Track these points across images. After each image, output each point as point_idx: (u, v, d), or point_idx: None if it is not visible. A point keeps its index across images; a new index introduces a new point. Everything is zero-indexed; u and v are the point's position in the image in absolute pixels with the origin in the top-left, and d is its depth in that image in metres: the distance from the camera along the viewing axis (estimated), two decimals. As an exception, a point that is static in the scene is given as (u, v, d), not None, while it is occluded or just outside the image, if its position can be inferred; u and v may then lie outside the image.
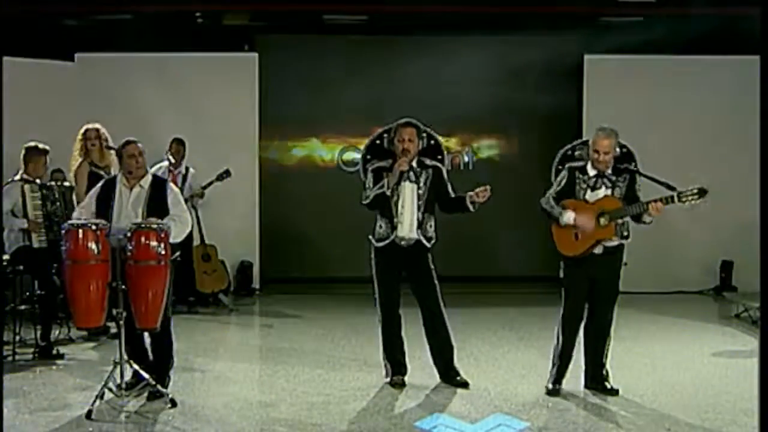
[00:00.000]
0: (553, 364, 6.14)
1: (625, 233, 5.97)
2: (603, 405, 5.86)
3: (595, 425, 5.51)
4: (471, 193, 6.14)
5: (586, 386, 6.13)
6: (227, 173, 9.40)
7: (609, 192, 5.95)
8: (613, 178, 5.98)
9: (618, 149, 6.01)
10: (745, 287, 10.14)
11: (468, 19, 11.05)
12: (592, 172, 5.99)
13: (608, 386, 6.09)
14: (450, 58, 11.23)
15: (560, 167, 6.15)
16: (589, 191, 5.97)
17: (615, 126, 6.28)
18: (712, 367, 6.99)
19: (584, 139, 6.11)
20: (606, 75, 10.76)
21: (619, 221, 5.91)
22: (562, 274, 6.10)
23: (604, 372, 6.12)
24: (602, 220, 5.88)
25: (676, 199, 5.76)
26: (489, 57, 11.17)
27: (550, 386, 6.09)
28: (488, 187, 6.10)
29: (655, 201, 5.78)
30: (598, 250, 5.95)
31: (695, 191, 5.75)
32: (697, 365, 7.06)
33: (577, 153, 6.16)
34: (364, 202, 6.26)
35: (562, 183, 6.04)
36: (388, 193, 6.14)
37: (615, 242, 5.98)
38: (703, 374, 6.74)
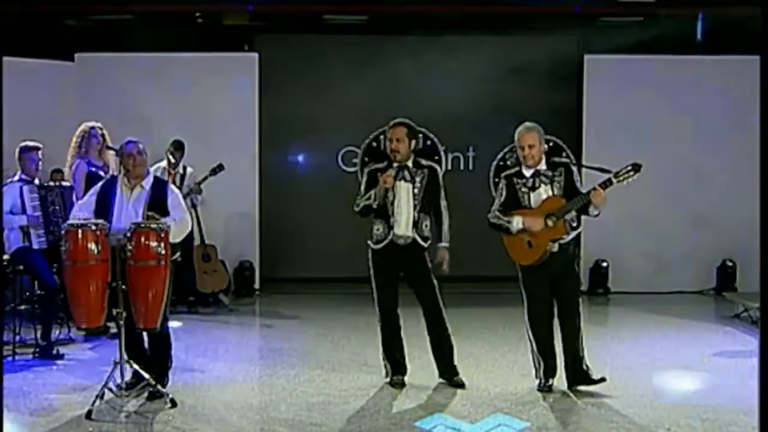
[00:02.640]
0: (537, 366, 6.15)
1: (574, 224, 6.04)
2: (603, 405, 5.86)
3: (595, 425, 5.51)
4: (442, 249, 6.28)
5: (569, 387, 6.11)
6: (220, 167, 9.39)
7: (548, 189, 5.99)
8: (549, 173, 6.02)
9: (546, 144, 6.08)
10: (745, 287, 10.15)
11: (468, 19, 11.06)
12: (528, 173, 6.02)
13: (594, 378, 6.08)
14: (450, 58, 11.22)
15: (497, 179, 6.17)
16: (530, 193, 6.00)
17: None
18: (712, 367, 6.99)
19: (512, 145, 6.12)
20: (606, 75, 10.76)
21: (567, 217, 5.94)
22: (520, 279, 6.14)
23: (585, 367, 6.12)
24: (550, 222, 5.91)
25: (614, 180, 5.83)
26: (489, 57, 11.17)
27: (542, 383, 6.12)
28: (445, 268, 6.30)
29: (594, 189, 5.82)
30: (554, 248, 5.97)
31: (629, 168, 5.83)
32: (697, 365, 7.05)
33: (509, 162, 6.20)
34: (355, 210, 6.31)
35: (503, 193, 6.08)
36: (375, 206, 6.18)
37: (567, 238, 6.02)
38: (703, 374, 6.74)
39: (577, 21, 11.05)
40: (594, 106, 10.74)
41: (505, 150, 6.27)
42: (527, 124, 6.06)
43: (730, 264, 10.63)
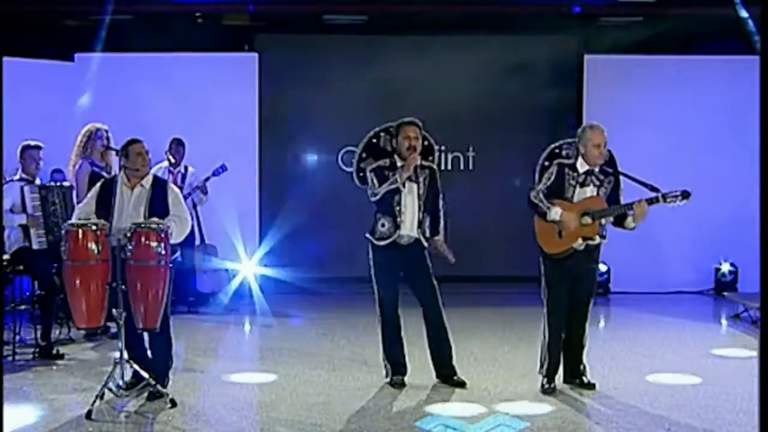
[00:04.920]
0: (543, 362, 6.16)
1: (604, 233, 6.08)
2: (603, 405, 5.86)
3: (595, 425, 5.51)
4: (439, 242, 6.32)
5: (565, 381, 6.20)
6: (223, 168, 9.39)
7: (595, 191, 6.02)
8: (601, 177, 6.06)
9: None
10: (745, 287, 10.14)
11: (468, 19, 11.05)
12: (582, 169, 6.04)
13: (585, 380, 6.18)
14: (450, 57, 11.22)
15: (547, 163, 6.17)
16: (577, 188, 6.02)
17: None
18: (712, 367, 6.99)
19: (571, 139, 6.14)
20: (606, 75, 10.75)
21: (602, 221, 5.95)
22: (542, 270, 6.14)
23: (582, 367, 6.20)
24: (585, 219, 5.94)
25: (661, 199, 5.83)
26: (489, 57, 11.16)
27: (546, 385, 6.12)
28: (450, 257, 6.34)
29: (640, 201, 5.83)
30: (580, 246, 5.98)
31: (678, 193, 5.81)
32: (697, 365, 7.05)
33: (564, 152, 6.18)
34: (374, 199, 6.29)
35: (552, 178, 6.09)
36: (403, 188, 6.17)
37: (596, 241, 6.04)
38: (703, 374, 6.74)
39: (577, 21, 11.04)
40: (594, 106, 10.73)
41: (563, 142, 6.23)
42: (597, 123, 6.05)
43: (730, 264, 10.64)
